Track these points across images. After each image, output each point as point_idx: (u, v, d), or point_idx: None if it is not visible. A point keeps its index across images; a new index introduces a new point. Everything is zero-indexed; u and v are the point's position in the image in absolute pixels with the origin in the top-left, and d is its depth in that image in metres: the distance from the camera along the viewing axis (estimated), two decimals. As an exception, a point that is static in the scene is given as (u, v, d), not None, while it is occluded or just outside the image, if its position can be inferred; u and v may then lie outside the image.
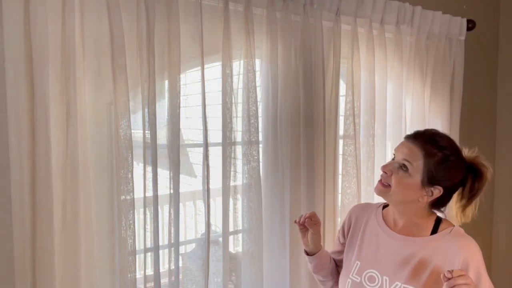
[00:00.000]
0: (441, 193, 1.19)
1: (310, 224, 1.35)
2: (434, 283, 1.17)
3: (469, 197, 1.24)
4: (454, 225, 1.25)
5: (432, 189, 1.19)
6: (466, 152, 1.24)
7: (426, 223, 1.25)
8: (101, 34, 1.21)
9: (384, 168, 1.22)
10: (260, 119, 1.54)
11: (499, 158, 2.59)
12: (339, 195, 1.76)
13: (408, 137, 1.24)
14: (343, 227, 1.43)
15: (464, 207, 1.25)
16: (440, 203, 1.24)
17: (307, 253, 1.41)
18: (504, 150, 2.57)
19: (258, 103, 1.52)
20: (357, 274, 1.29)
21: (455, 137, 2.14)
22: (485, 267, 1.18)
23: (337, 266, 1.47)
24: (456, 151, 1.21)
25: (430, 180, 1.18)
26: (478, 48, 2.37)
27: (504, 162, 2.56)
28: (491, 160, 2.53)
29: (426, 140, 1.20)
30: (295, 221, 1.38)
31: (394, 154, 1.25)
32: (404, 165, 1.19)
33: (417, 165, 1.18)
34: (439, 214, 1.28)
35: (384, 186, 1.22)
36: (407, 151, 1.20)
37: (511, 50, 2.51)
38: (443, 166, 1.18)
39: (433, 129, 1.27)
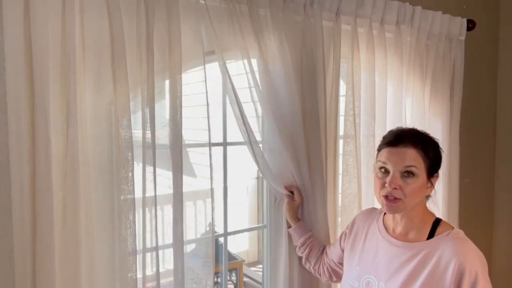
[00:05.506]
0: (438, 177, 1.26)
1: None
2: None
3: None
4: (453, 227, 1.23)
5: (433, 179, 1.24)
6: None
7: (424, 225, 1.24)
8: (101, 34, 1.20)
9: (392, 184, 1.17)
10: (260, 119, 1.54)
11: (499, 158, 2.59)
12: (339, 195, 1.76)
13: (395, 143, 1.21)
14: (345, 233, 1.45)
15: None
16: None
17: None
18: (504, 150, 2.57)
19: (258, 103, 1.52)
20: (356, 280, 1.29)
21: (455, 137, 2.14)
22: (487, 273, 1.14)
23: (324, 254, 1.54)
24: (430, 136, 1.28)
25: (432, 172, 1.23)
26: (478, 48, 2.37)
27: (504, 162, 2.56)
28: (491, 159, 2.56)
29: (413, 139, 1.22)
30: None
31: (383, 166, 1.21)
32: (411, 172, 1.18)
33: (421, 165, 1.19)
34: (431, 205, 1.31)
35: (394, 202, 1.18)
36: (407, 156, 1.18)
37: (511, 50, 2.51)
38: (437, 155, 1.24)
39: (405, 127, 1.31)
